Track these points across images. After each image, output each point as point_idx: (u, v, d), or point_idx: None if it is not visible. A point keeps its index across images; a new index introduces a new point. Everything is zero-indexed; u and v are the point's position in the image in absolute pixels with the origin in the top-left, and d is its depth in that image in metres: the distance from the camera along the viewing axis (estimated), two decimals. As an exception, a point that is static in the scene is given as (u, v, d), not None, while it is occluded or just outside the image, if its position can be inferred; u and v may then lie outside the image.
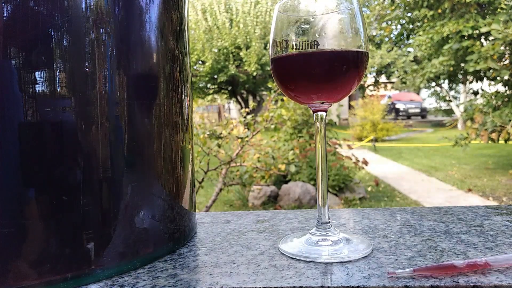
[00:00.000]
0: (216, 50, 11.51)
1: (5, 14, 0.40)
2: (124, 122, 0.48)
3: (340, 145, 4.93)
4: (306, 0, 0.51)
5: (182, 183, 0.57)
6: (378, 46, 15.75)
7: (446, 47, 7.55)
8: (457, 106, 13.67)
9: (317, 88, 0.51)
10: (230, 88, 13.16)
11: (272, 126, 3.76)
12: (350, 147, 5.09)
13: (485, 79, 7.37)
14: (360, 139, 10.89)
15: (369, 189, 5.24)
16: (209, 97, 14.64)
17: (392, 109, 18.55)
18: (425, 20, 9.14)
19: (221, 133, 3.51)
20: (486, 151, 8.25)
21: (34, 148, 0.42)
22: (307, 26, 0.50)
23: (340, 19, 0.50)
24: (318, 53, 0.49)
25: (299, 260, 0.50)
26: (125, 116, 0.48)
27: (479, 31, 6.25)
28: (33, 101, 0.41)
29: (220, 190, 3.56)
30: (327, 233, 0.54)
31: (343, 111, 16.03)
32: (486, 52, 5.38)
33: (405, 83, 14.42)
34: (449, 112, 14.53)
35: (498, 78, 5.67)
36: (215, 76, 12.00)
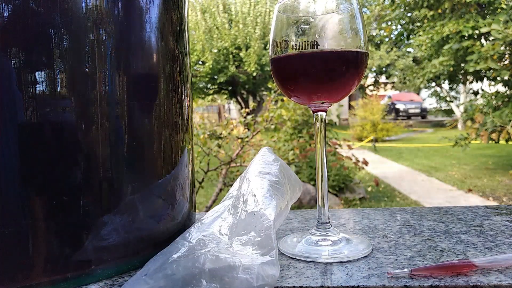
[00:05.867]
0: (216, 51, 11.51)
1: (5, 14, 0.40)
2: (124, 122, 0.48)
3: (340, 145, 4.92)
4: (306, 0, 0.51)
5: (182, 183, 0.57)
6: (378, 46, 15.73)
7: (446, 47, 7.54)
8: (457, 106, 13.65)
9: (317, 88, 0.51)
10: (230, 88, 13.16)
11: (272, 126, 3.76)
12: (350, 147, 5.09)
13: (485, 79, 7.37)
14: (360, 139, 10.88)
15: (369, 189, 5.23)
16: (209, 98, 14.64)
17: (392, 109, 18.54)
18: (425, 20, 9.13)
19: (221, 134, 3.51)
20: (486, 151, 8.25)
21: (34, 148, 0.42)
22: (307, 26, 0.50)
23: (339, 19, 0.50)
24: (318, 53, 0.49)
25: (299, 260, 0.50)
26: (125, 116, 0.48)
27: (479, 31, 6.25)
28: (33, 101, 0.41)
29: (220, 190, 3.55)
30: (327, 233, 0.54)
31: (343, 111, 16.00)
32: (486, 52, 5.38)
33: (405, 83, 14.40)
34: (449, 112, 14.49)
35: (498, 78, 5.67)
36: (215, 77, 12.00)
